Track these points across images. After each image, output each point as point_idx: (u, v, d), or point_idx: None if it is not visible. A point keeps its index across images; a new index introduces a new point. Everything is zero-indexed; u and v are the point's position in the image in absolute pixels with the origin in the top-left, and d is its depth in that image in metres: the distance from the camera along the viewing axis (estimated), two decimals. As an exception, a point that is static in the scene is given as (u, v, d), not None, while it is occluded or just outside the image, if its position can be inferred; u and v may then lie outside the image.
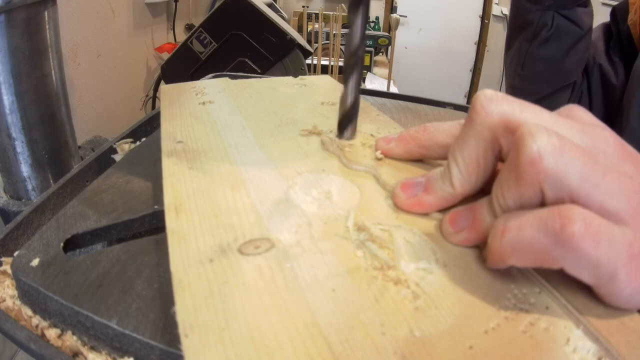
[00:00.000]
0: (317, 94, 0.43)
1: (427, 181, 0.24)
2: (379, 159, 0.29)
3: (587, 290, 0.19)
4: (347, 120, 0.31)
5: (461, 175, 0.22)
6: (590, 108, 0.77)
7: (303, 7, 1.32)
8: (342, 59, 0.32)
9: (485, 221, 0.21)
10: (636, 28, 0.71)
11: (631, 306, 0.18)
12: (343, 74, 0.30)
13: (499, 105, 0.21)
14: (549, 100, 0.76)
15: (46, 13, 0.47)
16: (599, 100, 0.76)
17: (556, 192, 0.18)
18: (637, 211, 0.18)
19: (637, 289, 0.17)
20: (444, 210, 0.24)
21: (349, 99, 0.30)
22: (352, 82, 0.29)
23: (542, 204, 0.19)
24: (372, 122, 0.35)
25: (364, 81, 1.47)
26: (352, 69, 0.29)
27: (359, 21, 0.28)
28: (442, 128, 0.26)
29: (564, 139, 0.18)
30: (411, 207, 0.24)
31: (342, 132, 0.31)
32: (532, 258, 0.18)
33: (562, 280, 0.20)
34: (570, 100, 0.76)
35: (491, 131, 0.21)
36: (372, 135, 0.32)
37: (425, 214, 0.24)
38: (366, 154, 0.29)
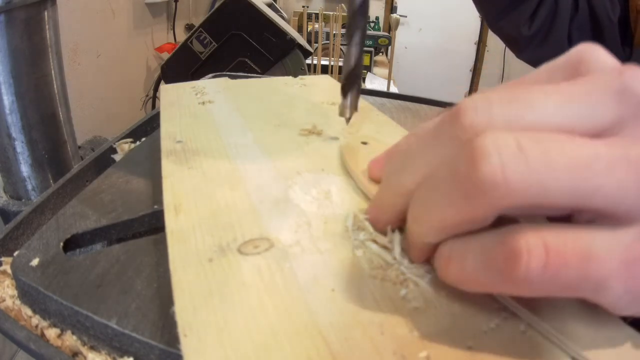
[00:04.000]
0: (317, 93, 0.43)
1: None
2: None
3: None
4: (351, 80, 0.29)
5: None
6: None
7: (303, 7, 1.32)
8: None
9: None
10: None
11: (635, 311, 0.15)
12: (347, 27, 0.29)
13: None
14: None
15: (46, 13, 0.47)
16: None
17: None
18: None
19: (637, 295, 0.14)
20: None
21: (353, 58, 0.28)
22: (356, 39, 0.28)
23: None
24: (372, 122, 0.35)
25: (364, 81, 1.47)
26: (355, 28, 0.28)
27: None
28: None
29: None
30: None
31: (347, 93, 0.30)
32: (488, 289, 0.16)
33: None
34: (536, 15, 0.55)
35: None
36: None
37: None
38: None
